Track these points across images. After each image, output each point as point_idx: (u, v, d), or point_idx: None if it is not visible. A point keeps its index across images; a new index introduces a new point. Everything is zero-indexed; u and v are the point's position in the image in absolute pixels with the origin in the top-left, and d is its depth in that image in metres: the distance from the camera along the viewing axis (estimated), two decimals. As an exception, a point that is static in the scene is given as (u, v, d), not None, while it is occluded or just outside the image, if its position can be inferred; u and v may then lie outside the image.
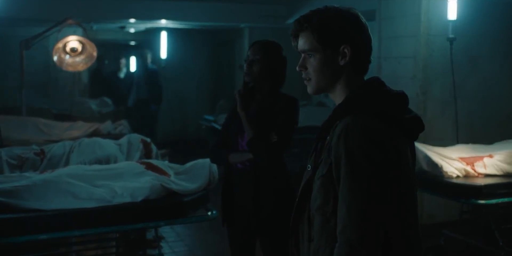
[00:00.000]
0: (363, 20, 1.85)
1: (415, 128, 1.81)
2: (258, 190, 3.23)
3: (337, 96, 1.85)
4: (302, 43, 1.86)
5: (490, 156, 4.69)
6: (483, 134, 5.93)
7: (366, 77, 1.88)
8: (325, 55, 1.81)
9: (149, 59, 10.40)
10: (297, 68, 1.87)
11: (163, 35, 10.75)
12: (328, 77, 1.83)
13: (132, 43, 13.65)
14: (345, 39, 1.79)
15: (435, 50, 5.78)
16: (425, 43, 5.75)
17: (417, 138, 1.84)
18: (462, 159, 4.66)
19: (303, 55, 1.87)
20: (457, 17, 5.50)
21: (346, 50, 1.80)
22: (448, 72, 5.72)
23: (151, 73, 10.47)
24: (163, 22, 9.49)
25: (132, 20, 9.34)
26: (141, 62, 10.69)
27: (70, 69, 7.03)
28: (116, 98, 10.15)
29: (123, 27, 10.40)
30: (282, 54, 3.28)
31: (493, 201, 4.38)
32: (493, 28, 6.11)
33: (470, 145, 5.01)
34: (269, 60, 3.23)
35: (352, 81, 1.83)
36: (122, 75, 11.37)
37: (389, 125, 1.72)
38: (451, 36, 5.49)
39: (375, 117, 1.70)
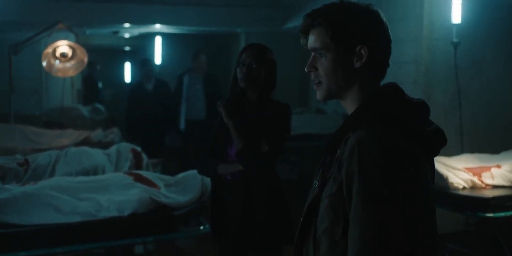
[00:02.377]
0: (384, 19, 1.64)
1: (436, 143, 1.60)
2: (249, 202, 3.08)
3: (349, 103, 1.65)
4: (313, 40, 1.65)
5: (498, 167, 4.51)
6: (488, 140, 5.75)
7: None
8: (338, 55, 1.61)
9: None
10: (305, 68, 1.66)
11: (158, 40, 10.56)
12: (340, 80, 1.62)
13: (127, 48, 13.46)
14: (362, 39, 1.59)
15: (438, 54, 5.58)
16: (427, 47, 5.55)
17: (438, 153, 1.62)
18: (469, 169, 4.45)
19: (313, 54, 1.66)
20: (461, 20, 5.30)
21: (362, 51, 1.59)
22: (451, 76, 5.54)
23: (213, 82, 7.65)
24: (158, 26, 9.36)
25: (126, 25, 9.17)
26: (196, 68, 7.63)
27: (60, 75, 6.81)
28: (151, 119, 7.55)
29: (116, 32, 10.20)
30: (273, 58, 3.16)
31: (502, 214, 4.19)
32: (497, 31, 5.92)
33: (476, 155, 4.81)
34: (266, 64, 3.11)
35: (367, 86, 1.63)
36: (150, 86, 7.81)
37: (408, 138, 1.51)
38: (455, 40, 5.29)
39: (394, 129, 1.50)
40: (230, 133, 3.09)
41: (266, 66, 3.11)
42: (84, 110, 8.63)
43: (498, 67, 6.04)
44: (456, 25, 5.27)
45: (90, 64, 10.52)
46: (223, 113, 3.10)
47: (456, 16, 5.22)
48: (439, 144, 1.61)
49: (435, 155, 1.62)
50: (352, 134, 1.52)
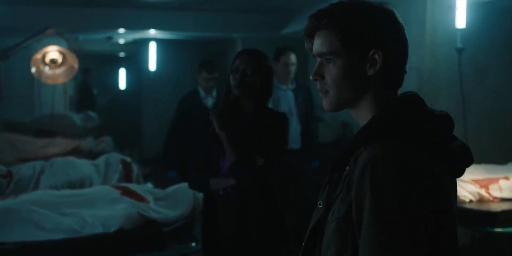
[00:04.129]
0: (399, 19, 1.45)
1: (461, 161, 1.41)
2: (243, 218, 2.91)
3: (361, 115, 1.45)
4: (319, 44, 1.45)
5: (506, 178, 4.33)
6: (493, 150, 5.56)
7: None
8: (349, 61, 1.41)
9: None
10: (311, 76, 1.47)
11: (152, 46, 10.39)
12: (351, 89, 1.43)
13: (121, 54, 13.27)
14: (376, 42, 1.40)
15: (441, 60, 5.39)
16: (430, 53, 5.36)
17: (462, 173, 1.43)
18: (475, 181, 4.25)
19: (319, 60, 1.46)
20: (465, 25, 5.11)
21: (376, 56, 1.40)
22: (455, 83, 5.36)
23: (307, 94, 5.16)
24: (152, 32, 9.20)
25: (119, 30, 9.01)
26: (284, 74, 4.97)
27: (50, 82, 6.65)
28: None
29: (110, 38, 10.01)
30: (269, 64, 2.99)
31: (511, 229, 3.97)
32: (502, 36, 5.76)
33: (483, 165, 4.61)
34: (262, 71, 2.92)
35: (382, 96, 1.44)
36: (211, 101, 5.24)
37: (429, 156, 1.33)
38: (459, 46, 5.09)
39: (413, 146, 1.32)
40: (223, 144, 2.90)
41: (262, 73, 2.93)
42: (76, 118, 8.42)
43: (503, 73, 5.90)
44: (460, 30, 5.07)
45: (85, 70, 10.41)
46: (215, 123, 2.92)
47: (461, 21, 5.02)
48: (464, 163, 1.42)
49: (459, 176, 1.43)
50: (364, 149, 1.34)
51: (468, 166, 1.43)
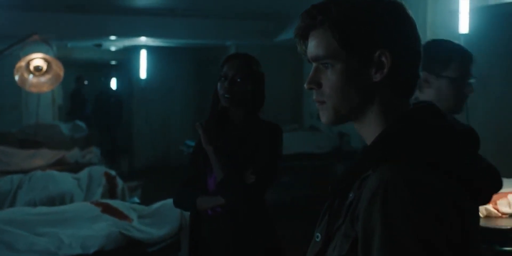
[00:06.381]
0: (410, 13, 1.22)
1: (488, 186, 1.24)
2: (234, 242, 2.66)
3: (366, 129, 1.24)
4: (314, 46, 1.23)
5: (515, 193, 4.06)
6: (499, 163, 5.29)
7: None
8: (350, 66, 1.20)
9: None
10: (305, 85, 1.25)
11: (143, 54, 10.27)
12: (353, 99, 1.21)
13: (113, 62, 13.10)
14: (383, 41, 1.19)
15: (443, 68, 5.19)
16: (431, 61, 5.16)
17: (489, 200, 1.26)
18: (482, 196, 4.01)
19: (315, 65, 1.25)
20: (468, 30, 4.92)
21: (383, 58, 1.18)
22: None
23: None
24: (143, 39, 9.14)
25: (110, 37, 8.89)
26: None
27: (34, 90, 6.42)
28: None
29: (99, 45, 9.84)
30: (261, 71, 2.73)
31: (522, 248, 3.74)
32: (506, 42, 5.60)
33: (490, 179, 4.38)
34: (252, 78, 2.68)
35: (391, 106, 1.22)
36: None
37: (452, 181, 1.13)
38: (462, 52, 4.88)
39: (432, 169, 1.12)
40: (210, 160, 2.65)
41: (253, 80, 2.68)
42: (64, 128, 8.17)
43: (507, 82, 5.70)
44: (463, 35, 4.86)
45: (78, 78, 10.22)
46: (201, 136, 2.67)
47: (464, 25, 4.80)
48: (492, 188, 1.18)
49: (486, 203, 1.26)
50: (373, 172, 1.13)
51: (496, 191, 1.21)
